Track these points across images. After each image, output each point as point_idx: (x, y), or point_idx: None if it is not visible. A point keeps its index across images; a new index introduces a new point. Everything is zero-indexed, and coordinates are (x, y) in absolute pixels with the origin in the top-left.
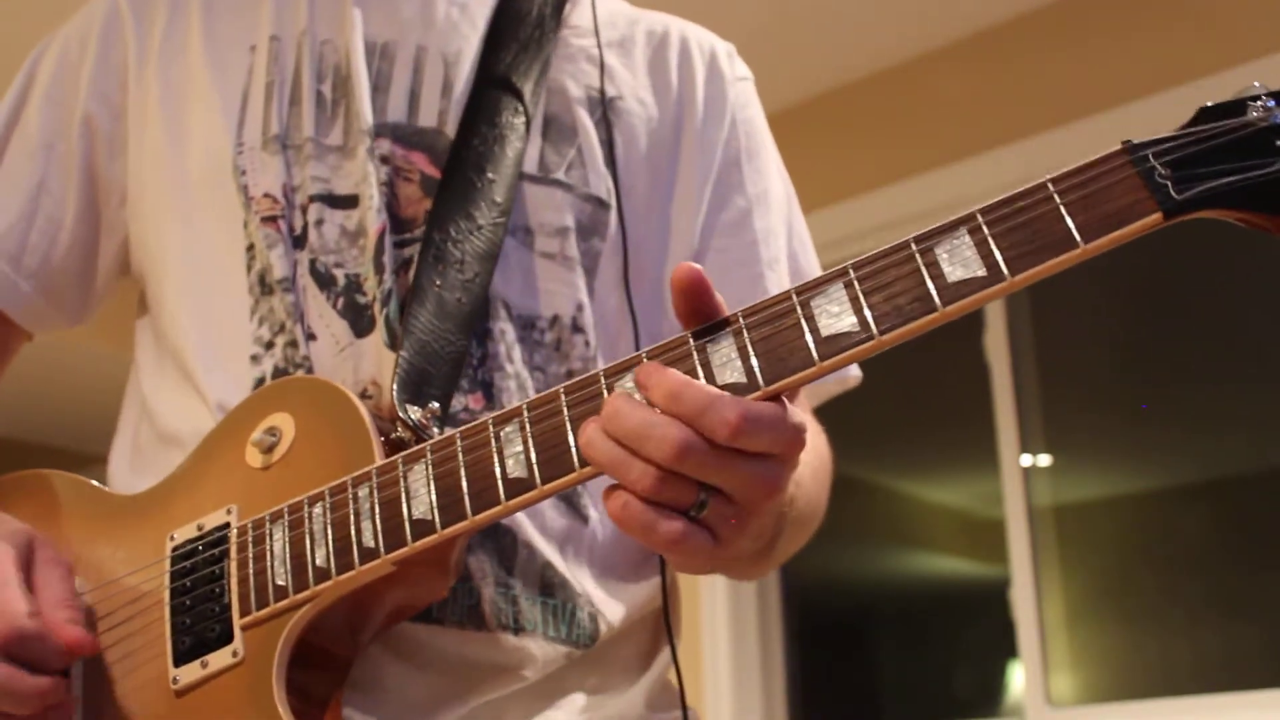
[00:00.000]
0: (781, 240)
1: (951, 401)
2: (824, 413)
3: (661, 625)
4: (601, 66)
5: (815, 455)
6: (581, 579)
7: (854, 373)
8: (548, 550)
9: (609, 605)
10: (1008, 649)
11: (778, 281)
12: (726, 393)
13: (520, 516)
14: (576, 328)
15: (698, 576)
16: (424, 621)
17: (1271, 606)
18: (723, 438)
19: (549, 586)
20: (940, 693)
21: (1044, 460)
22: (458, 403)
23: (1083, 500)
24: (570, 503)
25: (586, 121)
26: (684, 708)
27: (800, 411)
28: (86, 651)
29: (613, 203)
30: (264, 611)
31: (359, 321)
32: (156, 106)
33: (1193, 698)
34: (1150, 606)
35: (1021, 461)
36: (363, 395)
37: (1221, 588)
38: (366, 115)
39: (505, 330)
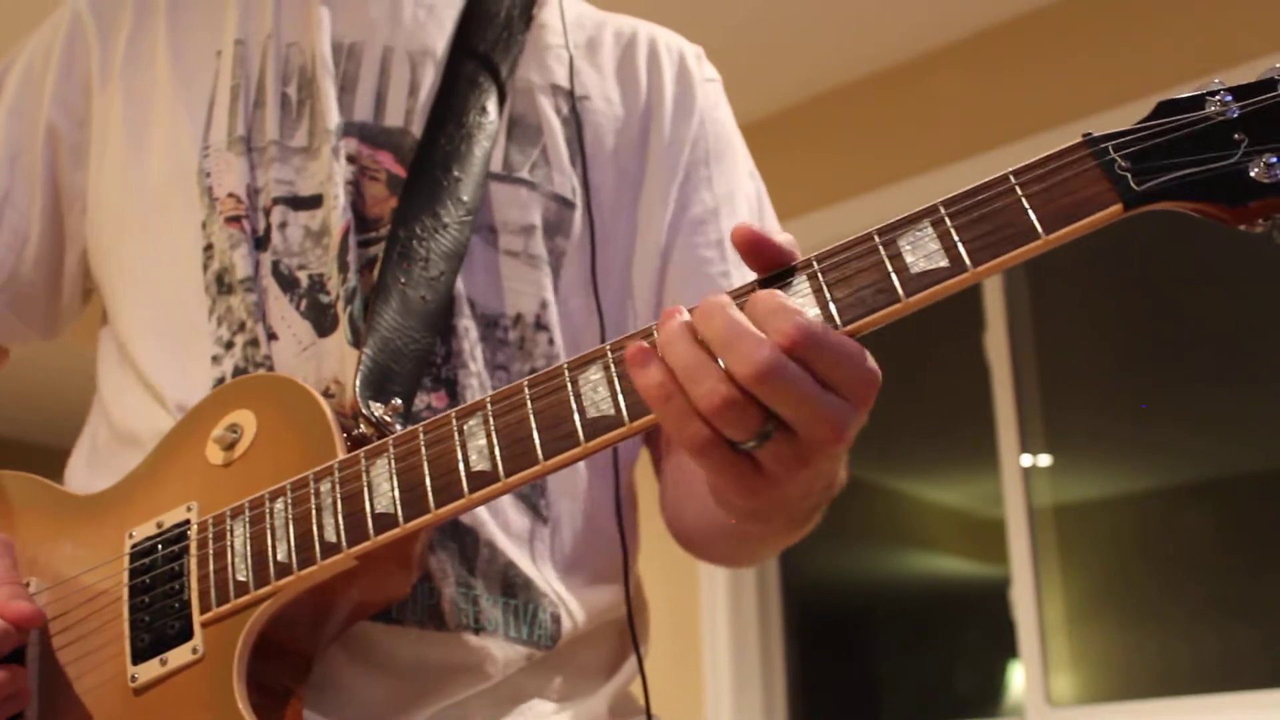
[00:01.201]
0: None
1: (951, 401)
2: None
3: (629, 633)
4: (570, 67)
5: None
6: (546, 579)
7: None
8: (510, 550)
9: (573, 606)
10: (1008, 649)
11: (744, 280)
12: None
13: (483, 516)
14: (540, 325)
15: (695, 575)
16: (383, 621)
17: (1271, 607)
18: (783, 344)
19: (511, 587)
20: (940, 693)
21: (1044, 460)
22: (421, 401)
23: (1083, 500)
24: (529, 503)
25: (552, 120)
26: (648, 715)
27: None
28: (34, 624)
29: (577, 201)
30: (224, 607)
31: (322, 321)
32: (120, 115)
33: (1192, 698)
34: (1150, 606)
35: (1021, 461)
36: (325, 394)
37: (1221, 588)
38: (331, 115)
39: (469, 328)
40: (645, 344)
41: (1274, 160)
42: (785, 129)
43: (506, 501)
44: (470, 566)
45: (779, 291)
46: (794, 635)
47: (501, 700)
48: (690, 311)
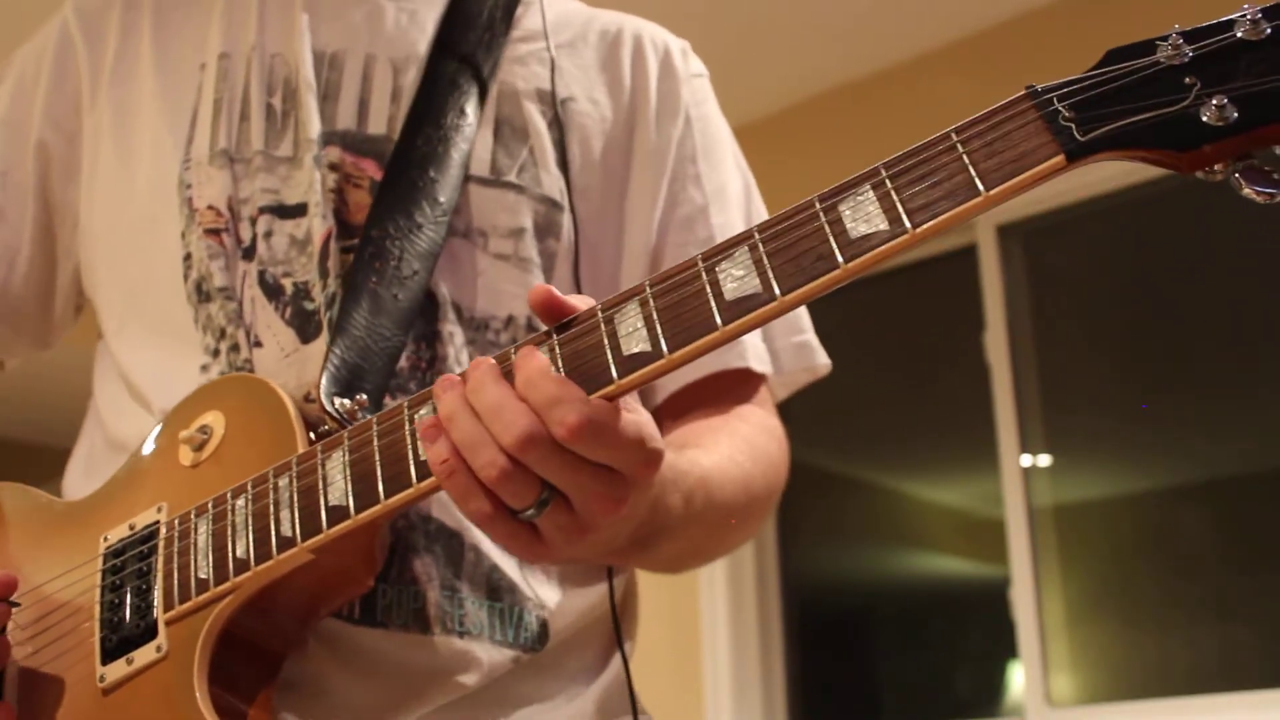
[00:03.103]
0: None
1: (951, 401)
2: (825, 413)
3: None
4: (553, 68)
5: (750, 459)
6: (532, 582)
7: (822, 360)
8: (496, 554)
9: (560, 609)
10: (1008, 649)
11: None
12: (584, 394)
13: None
14: (532, 328)
15: (694, 575)
16: (368, 625)
17: (1270, 607)
18: (560, 436)
19: (496, 590)
20: (940, 693)
21: (1044, 460)
22: None
23: (1083, 500)
24: None
25: (539, 123)
26: (634, 712)
27: (657, 436)
28: (8, 590)
29: (565, 203)
30: (186, 605)
31: (306, 328)
32: (108, 131)
33: (1192, 698)
34: (1150, 607)
35: (1021, 461)
36: (306, 398)
37: (1221, 588)
38: (313, 124)
39: (454, 333)
40: (434, 417)
41: (1226, 102)
42: (783, 129)
43: None
44: (456, 570)
45: (555, 375)
46: (794, 635)
47: (487, 704)
48: (464, 378)
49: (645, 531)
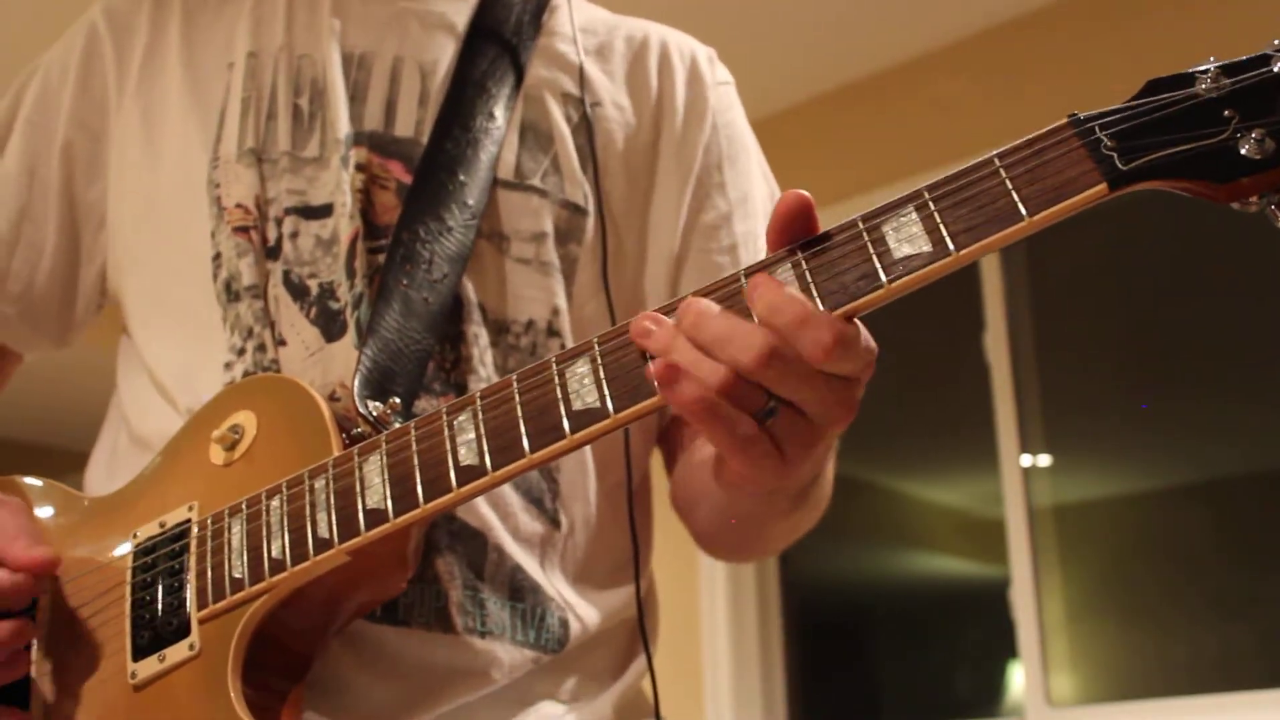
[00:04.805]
0: (762, 243)
1: (951, 401)
2: None
3: (638, 634)
4: (581, 73)
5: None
6: (555, 584)
7: None
8: (519, 554)
9: (582, 610)
10: (1008, 649)
11: None
12: (827, 312)
13: (492, 520)
14: (552, 332)
15: (695, 575)
16: (390, 623)
17: (1270, 607)
18: (815, 357)
19: (519, 591)
20: (940, 693)
21: (1044, 460)
22: (430, 405)
23: (1083, 500)
24: (541, 507)
25: (563, 127)
26: (657, 713)
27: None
28: (49, 569)
29: (590, 208)
30: (221, 604)
31: (330, 327)
32: (136, 130)
33: (1191, 698)
34: (1149, 607)
35: (1021, 461)
36: (331, 397)
37: (1220, 588)
38: (341, 125)
39: (479, 334)
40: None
41: (1264, 135)
42: (782, 130)
43: (518, 505)
44: (478, 570)
45: (797, 295)
46: (794, 635)
47: (508, 703)
48: (679, 320)
49: (814, 474)
